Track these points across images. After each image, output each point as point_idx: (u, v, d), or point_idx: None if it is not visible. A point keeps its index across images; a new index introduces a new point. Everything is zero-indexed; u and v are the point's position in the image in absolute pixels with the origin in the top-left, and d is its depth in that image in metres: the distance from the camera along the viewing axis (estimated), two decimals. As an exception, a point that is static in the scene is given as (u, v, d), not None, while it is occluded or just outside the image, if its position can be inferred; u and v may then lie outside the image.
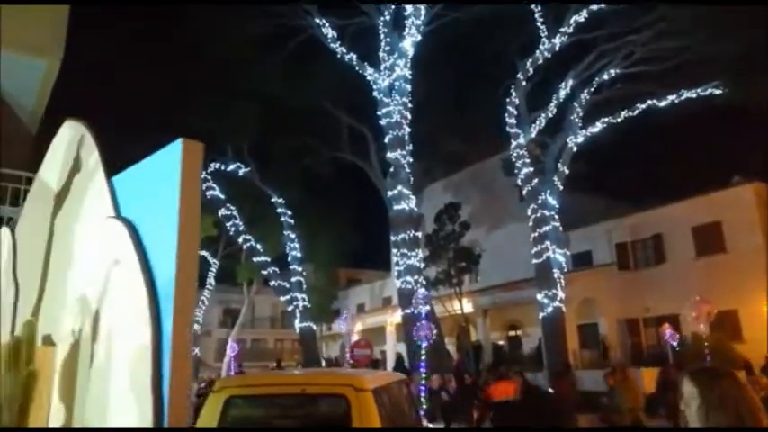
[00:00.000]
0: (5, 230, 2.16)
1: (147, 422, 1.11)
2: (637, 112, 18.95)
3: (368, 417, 3.80)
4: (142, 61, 17.76)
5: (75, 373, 1.43)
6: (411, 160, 18.00)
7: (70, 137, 1.85)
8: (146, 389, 1.13)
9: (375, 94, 18.29)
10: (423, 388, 12.48)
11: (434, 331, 15.51)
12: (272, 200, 21.85)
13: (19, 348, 1.49)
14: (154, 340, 1.15)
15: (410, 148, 17.98)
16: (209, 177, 19.51)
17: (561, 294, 18.02)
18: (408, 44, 17.57)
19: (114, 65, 17.08)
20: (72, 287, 1.59)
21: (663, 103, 18.72)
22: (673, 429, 9.58)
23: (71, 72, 12.71)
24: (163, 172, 1.28)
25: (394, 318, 26.74)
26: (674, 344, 16.26)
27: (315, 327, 23.13)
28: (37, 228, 1.98)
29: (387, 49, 18.02)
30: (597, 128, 19.34)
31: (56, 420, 1.40)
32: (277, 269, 22.62)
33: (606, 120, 19.28)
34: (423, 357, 14.51)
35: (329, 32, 18.12)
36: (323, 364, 23.13)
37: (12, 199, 12.16)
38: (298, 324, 22.72)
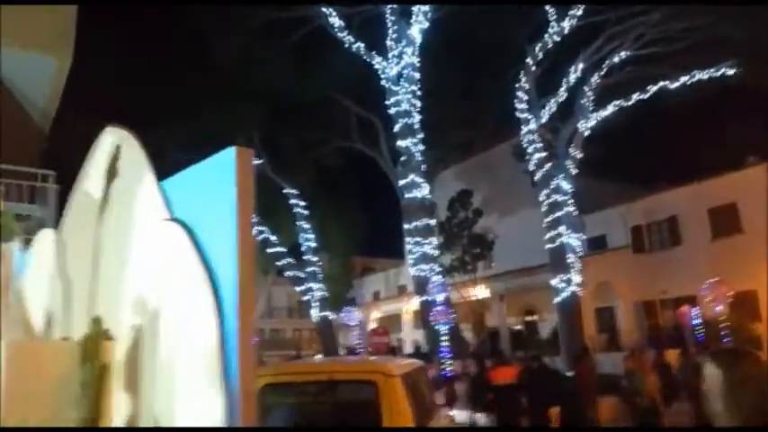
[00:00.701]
0: (49, 231, 2.19)
1: (218, 409, 1.20)
2: (648, 94, 18.54)
3: (396, 401, 3.98)
4: (149, 56, 17.72)
5: (138, 366, 1.51)
6: (422, 148, 17.82)
7: (111, 142, 1.86)
8: (215, 379, 1.22)
9: (383, 82, 18.09)
10: (446, 373, 12.45)
11: (452, 315, 15.43)
12: (285, 191, 21.81)
13: (92, 343, 1.58)
14: (219, 335, 1.24)
15: (421, 135, 17.78)
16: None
17: (577, 278, 17.83)
18: (416, 31, 17.36)
19: (122, 62, 17.05)
20: (127, 287, 1.66)
21: (675, 85, 18.31)
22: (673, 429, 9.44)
23: (81, 71, 12.74)
24: (217, 177, 1.35)
25: (410, 305, 26.72)
26: (695, 325, 16.04)
27: (332, 315, 23.18)
28: (81, 230, 2.01)
29: (394, 36, 17.81)
30: (609, 111, 18.99)
31: (124, 409, 1.51)
32: (292, 260, 22.67)
33: (618, 103, 18.92)
34: (444, 343, 14.45)
35: (336, 22, 17.91)
36: (341, 352, 23.18)
37: (29, 196, 12.24)
38: (315, 314, 22.78)
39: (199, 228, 1.42)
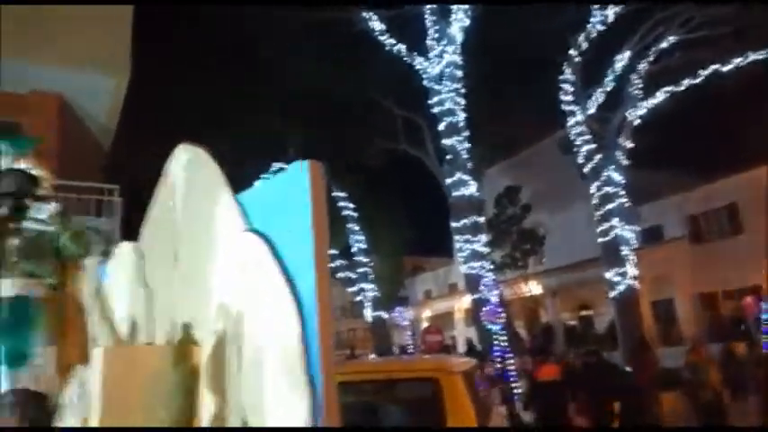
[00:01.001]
0: (127, 244, 2.33)
1: (304, 408, 1.32)
2: (700, 79, 17.83)
3: (458, 397, 4.07)
4: (194, 68, 18.27)
5: (222, 368, 1.64)
6: (468, 146, 17.73)
7: (186, 158, 2.06)
8: (299, 380, 1.34)
9: (425, 82, 18.10)
10: (505, 372, 12.44)
11: (502, 315, 15.31)
12: (333, 194, 22.11)
13: (183, 347, 1.72)
14: (300, 337, 1.36)
15: (466, 133, 17.70)
16: (269, 178, 19.98)
17: (632, 271, 17.37)
18: (456, 29, 17.28)
19: (170, 75, 17.66)
20: (209, 294, 1.83)
21: (727, 68, 17.52)
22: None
23: (138, 86, 13.31)
24: (291, 190, 1.47)
25: (461, 303, 26.62)
26: (761, 316, 15.37)
27: (385, 315, 23.38)
28: (159, 241, 2.22)
29: (435, 36, 17.79)
30: (658, 98, 18.38)
31: (211, 409, 1.62)
32: (344, 261, 22.98)
33: (668, 89, 18.28)
34: (498, 341, 14.39)
35: (377, 26, 18.05)
36: (395, 351, 23.33)
37: (96, 210, 12.87)
38: (369, 313, 23.00)
39: (276, 237, 1.54)
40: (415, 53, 18.33)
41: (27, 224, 2.95)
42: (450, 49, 17.54)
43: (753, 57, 17.35)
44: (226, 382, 1.60)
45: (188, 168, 2.03)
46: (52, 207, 2.92)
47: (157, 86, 16.61)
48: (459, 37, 17.46)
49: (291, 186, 1.48)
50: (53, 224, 2.90)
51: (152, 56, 15.17)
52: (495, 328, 14.60)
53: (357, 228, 22.80)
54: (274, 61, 18.87)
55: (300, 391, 1.31)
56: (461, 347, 24.92)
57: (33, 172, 3.09)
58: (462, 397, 4.10)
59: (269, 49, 18.60)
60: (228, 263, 1.71)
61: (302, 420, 1.30)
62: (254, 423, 1.49)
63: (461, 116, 17.74)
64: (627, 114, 18.68)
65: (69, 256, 2.92)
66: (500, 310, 15.56)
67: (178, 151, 2.16)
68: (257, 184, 1.74)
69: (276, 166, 18.11)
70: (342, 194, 22.32)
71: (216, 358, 1.64)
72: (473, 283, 17.59)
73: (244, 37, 18.81)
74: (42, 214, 2.88)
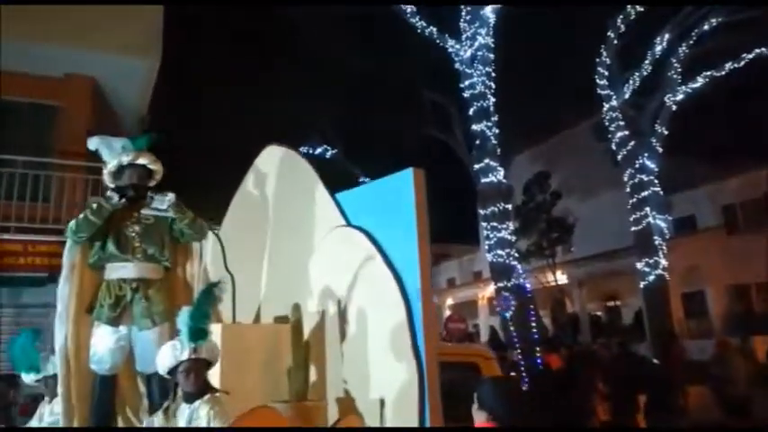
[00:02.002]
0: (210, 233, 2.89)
1: (412, 375, 1.70)
2: (743, 63, 17.54)
3: None
4: (223, 53, 18.56)
5: (323, 343, 1.97)
6: (497, 131, 17.72)
7: (278, 158, 2.41)
8: (407, 351, 1.73)
9: (457, 65, 18.10)
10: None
11: (514, 303, 15.42)
12: (360, 180, 22.33)
13: (298, 325, 2.13)
14: (407, 316, 1.77)
15: (495, 118, 17.69)
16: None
17: (664, 262, 17.34)
18: (489, 10, 17.20)
19: (205, 51, 17.96)
20: (307, 280, 2.11)
21: (772, 51, 17.22)
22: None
23: (170, 69, 13.59)
24: (396, 194, 1.89)
25: (485, 291, 26.76)
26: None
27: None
28: (248, 231, 2.55)
29: (468, 18, 17.74)
30: (698, 83, 18.14)
31: (313, 376, 2.05)
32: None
33: (708, 74, 18.02)
34: (518, 330, 14.55)
35: (408, 7, 18.06)
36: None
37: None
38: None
39: (380, 233, 1.86)
40: (446, 36, 18.31)
41: (145, 212, 3.40)
42: (483, 31, 17.49)
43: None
44: (327, 354, 1.92)
45: (281, 167, 2.34)
46: (170, 197, 3.27)
47: (188, 70, 16.94)
48: (492, 19, 17.40)
49: (398, 190, 1.88)
50: (170, 212, 3.29)
51: (183, 40, 15.45)
52: (508, 315, 14.75)
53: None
54: (303, 44, 19.07)
55: (408, 363, 1.70)
56: (484, 336, 25.14)
57: (151, 166, 3.49)
58: None
59: (298, 33, 18.79)
60: (328, 253, 2.03)
61: (412, 386, 1.62)
62: (356, 389, 1.82)
63: (492, 100, 17.72)
64: (665, 99, 18.49)
65: (184, 240, 3.31)
66: (512, 299, 15.67)
67: (269, 150, 2.50)
68: (361, 186, 2.07)
69: (303, 149, 18.35)
70: (367, 179, 22.52)
71: (316, 335, 1.97)
72: (499, 270, 17.69)
73: (272, 21, 19.03)
74: (162, 204, 3.27)
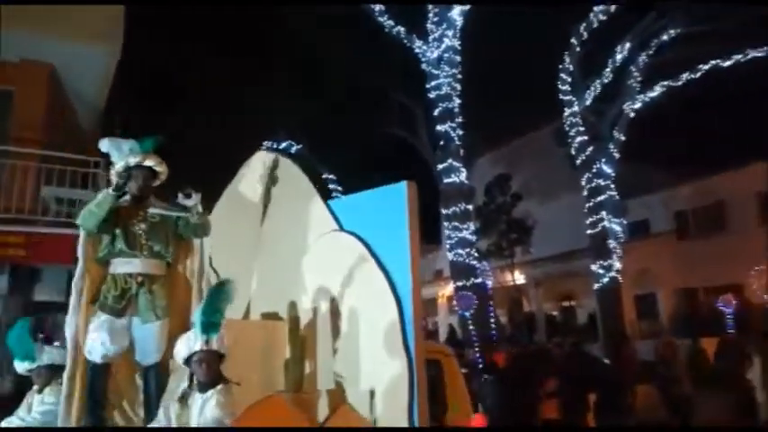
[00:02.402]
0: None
1: (403, 368, 1.88)
2: (699, 74, 18.30)
3: (455, 376, 5.01)
4: (197, 43, 18.27)
5: (315, 338, 2.23)
6: (461, 132, 18.04)
7: (266, 162, 2.62)
8: (399, 347, 1.90)
9: (424, 66, 18.32)
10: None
11: (475, 303, 15.76)
12: (323, 176, 22.35)
13: (294, 322, 2.35)
14: (399, 315, 1.95)
15: (460, 120, 18.00)
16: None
17: (617, 265, 17.98)
18: (457, 13, 17.48)
19: (167, 48, 17.65)
20: (298, 279, 2.35)
21: (727, 64, 18.00)
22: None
23: (130, 59, 13.34)
24: (390, 203, 2.11)
25: (445, 290, 27.15)
26: (738, 313, 16.05)
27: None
28: (235, 231, 2.78)
29: (435, 20, 17.97)
30: (656, 92, 18.85)
31: (308, 369, 2.23)
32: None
33: (666, 83, 18.74)
34: (476, 329, 14.85)
35: (377, 6, 18.16)
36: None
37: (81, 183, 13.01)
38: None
39: (373, 239, 2.10)
40: (415, 36, 18.49)
41: (151, 211, 3.66)
42: (450, 33, 17.75)
43: (753, 54, 17.84)
44: (318, 349, 2.13)
45: (272, 172, 2.56)
46: (196, 197, 3.43)
47: (149, 60, 16.63)
48: (460, 22, 17.67)
49: (391, 201, 2.09)
50: (178, 210, 3.54)
51: (146, 32, 15.19)
52: (467, 314, 15.04)
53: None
54: (270, 41, 18.96)
55: (400, 358, 1.88)
56: (443, 334, 25.53)
57: (156, 168, 3.71)
58: (458, 375, 5.08)
59: (266, 29, 18.67)
60: (322, 254, 2.25)
61: (402, 379, 1.87)
62: (348, 382, 2.13)
63: (457, 102, 18.02)
64: (624, 107, 19.13)
65: (187, 237, 3.53)
66: (474, 298, 15.98)
67: (259, 155, 2.72)
68: (354, 195, 2.39)
69: (267, 144, 18.30)
70: (330, 176, 22.55)
71: (313, 331, 2.19)
72: (459, 270, 18.03)
73: (238, 13, 18.84)
74: (190, 202, 3.45)
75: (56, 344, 4.81)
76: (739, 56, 17.92)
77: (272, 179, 2.56)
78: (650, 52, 18.83)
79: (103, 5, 11.69)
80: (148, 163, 3.65)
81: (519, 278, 24.79)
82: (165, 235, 3.61)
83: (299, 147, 21.32)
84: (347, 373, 2.10)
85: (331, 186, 22.66)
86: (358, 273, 2.08)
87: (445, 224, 18.93)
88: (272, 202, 2.60)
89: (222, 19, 18.75)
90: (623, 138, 19.24)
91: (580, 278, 20.60)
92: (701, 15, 17.79)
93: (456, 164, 18.16)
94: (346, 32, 18.95)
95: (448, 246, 19.03)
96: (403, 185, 2.08)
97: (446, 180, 18.40)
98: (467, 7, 17.45)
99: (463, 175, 18.35)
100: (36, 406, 4.05)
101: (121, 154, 3.66)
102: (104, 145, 3.76)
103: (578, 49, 18.39)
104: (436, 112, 18.24)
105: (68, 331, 3.61)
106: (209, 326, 2.85)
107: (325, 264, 2.24)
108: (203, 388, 2.92)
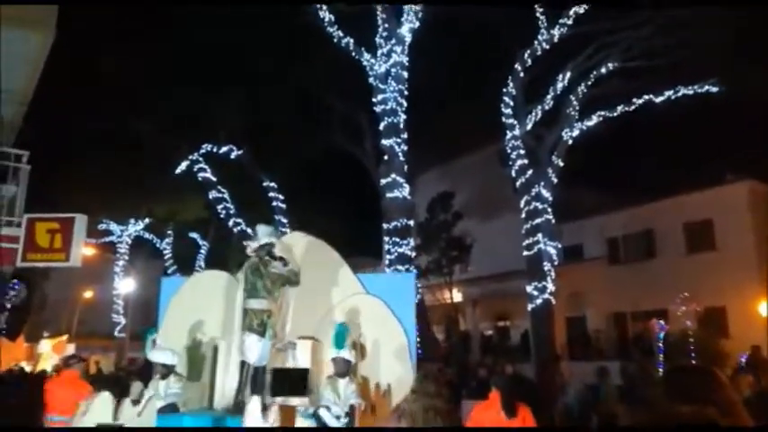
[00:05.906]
0: (223, 274, 5.77)
1: (410, 373, 3.96)
2: (633, 107, 19.12)
3: None
4: (128, 46, 17.61)
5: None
6: (405, 148, 18.16)
7: (304, 240, 4.84)
8: (406, 361, 4.03)
9: (371, 80, 18.35)
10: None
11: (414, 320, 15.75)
12: (264, 184, 21.92)
13: (317, 348, 4.70)
14: (407, 345, 4.15)
15: (405, 135, 18.09)
16: (200, 159, 19.61)
17: (551, 287, 18.38)
18: (406, 30, 17.66)
19: (104, 41, 16.94)
20: (318, 320, 4.59)
21: (659, 99, 18.95)
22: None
23: (62, 50, 12.67)
24: (401, 286, 4.72)
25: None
26: (662, 338, 16.66)
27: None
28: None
29: (384, 34, 18.10)
30: (593, 121, 19.60)
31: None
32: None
33: (602, 114, 19.52)
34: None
35: (326, 16, 18.08)
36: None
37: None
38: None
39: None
40: (362, 49, 18.49)
41: (267, 269, 5.45)
42: (398, 49, 17.88)
43: (683, 91, 18.81)
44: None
45: (308, 247, 4.61)
46: (282, 266, 5.17)
47: (82, 52, 15.91)
48: (409, 38, 17.81)
49: (401, 284, 4.51)
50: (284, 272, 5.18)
51: (79, 19, 14.52)
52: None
53: (284, 219, 22.68)
54: (210, 43, 18.50)
55: (408, 369, 3.78)
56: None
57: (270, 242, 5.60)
58: None
59: (211, 34, 18.23)
60: (352, 306, 4.21)
61: (410, 383, 3.41)
62: (372, 382, 4.08)
63: (402, 117, 18.11)
64: (562, 134, 19.70)
65: (282, 283, 5.21)
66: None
67: (293, 235, 5.19)
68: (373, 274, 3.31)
69: (206, 147, 17.82)
70: (272, 184, 22.15)
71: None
72: (398, 286, 18.01)
73: (179, 14, 18.31)
74: (281, 270, 5.13)
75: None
76: (671, 92, 18.81)
77: (307, 251, 4.62)
78: (589, 83, 19.52)
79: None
80: (265, 240, 5.49)
81: (457, 296, 24.98)
82: (275, 283, 5.40)
83: (239, 152, 20.86)
84: (373, 375, 4.07)
85: (271, 195, 22.28)
86: (378, 318, 3.93)
87: (385, 239, 18.90)
88: (309, 270, 4.50)
89: (163, 18, 18.10)
90: (561, 163, 19.81)
91: (515, 299, 21.08)
92: (638, 52, 18.64)
93: (399, 179, 18.24)
94: (294, 38, 18.73)
95: (387, 261, 18.99)
96: (412, 275, 4.07)
97: (388, 195, 18.45)
98: (416, 24, 17.60)
99: (406, 191, 18.43)
100: (163, 390, 6.17)
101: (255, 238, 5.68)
102: (265, 233, 5.50)
103: (522, 74, 18.85)
104: (381, 126, 18.27)
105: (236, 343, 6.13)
106: (339, 343, 4.62)
107: (354, 311, 4.16)
108: (341, 376, 4.78)
